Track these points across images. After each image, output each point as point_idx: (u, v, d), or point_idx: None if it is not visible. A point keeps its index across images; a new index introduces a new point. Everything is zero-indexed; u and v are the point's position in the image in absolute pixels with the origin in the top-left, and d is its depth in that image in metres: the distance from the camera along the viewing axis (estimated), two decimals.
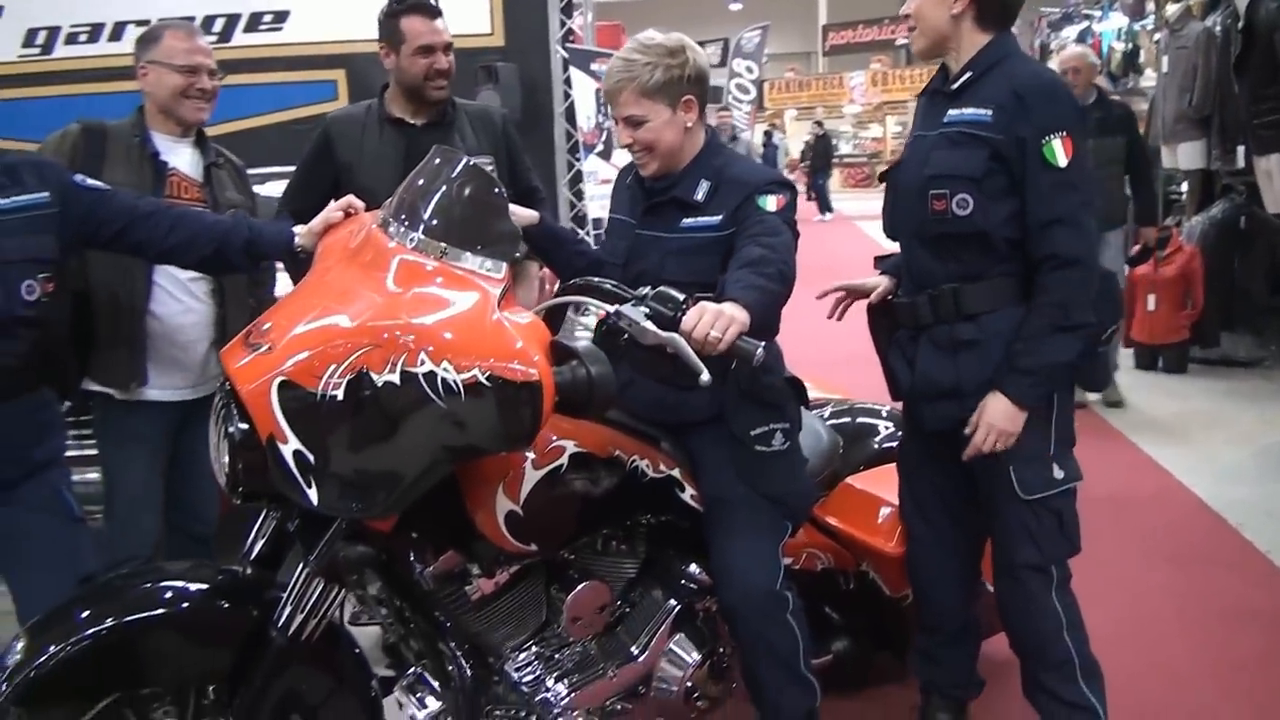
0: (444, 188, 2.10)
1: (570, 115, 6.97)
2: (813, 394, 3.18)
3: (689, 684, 2.53)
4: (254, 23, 5.69)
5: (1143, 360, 6.90)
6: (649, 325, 1.98)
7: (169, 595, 2.10)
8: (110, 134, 2.93)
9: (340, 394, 1.87)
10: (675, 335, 1.96)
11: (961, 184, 2.29)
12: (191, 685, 2.09)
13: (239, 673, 2.06)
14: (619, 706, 2.49)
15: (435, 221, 2.05)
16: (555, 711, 2.36)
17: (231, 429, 1.95)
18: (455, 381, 1.83)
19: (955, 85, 2.36)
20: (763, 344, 1.98)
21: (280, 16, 5.98)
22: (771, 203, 2.34)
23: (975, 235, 2.31)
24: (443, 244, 2.02)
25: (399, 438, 1.88)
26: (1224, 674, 3.15)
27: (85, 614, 2.01)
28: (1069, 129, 2.24)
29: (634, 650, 2.50)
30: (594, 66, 7.48)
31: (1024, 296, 2.31)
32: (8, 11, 5.64)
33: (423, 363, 1.83)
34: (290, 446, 1.89)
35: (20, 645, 1.98)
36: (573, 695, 2.39)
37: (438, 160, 2.17)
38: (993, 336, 2.33)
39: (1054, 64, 7.64)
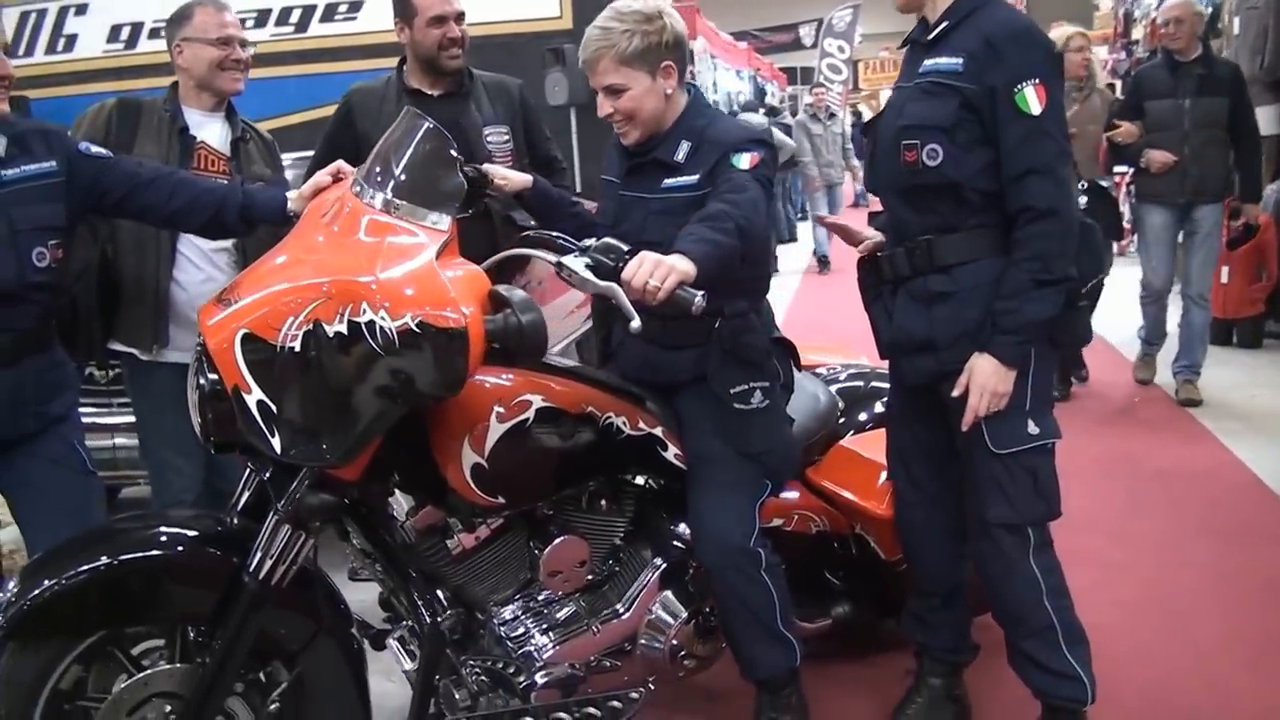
0: (406, 150, 2.20)
1: None
2: (830, 358, 3.19)
3: (674, 642, 2.57)
4: (329, 13, 5.86)
5: (1218, 335, 6.65)
6: (589, 275, 2.03)
7: (161, 539, 2.22)
8: (144, 109, 3.07)
9: (297, 345, 1.96)
10: (613, 284, 2.00)
11: (931, 134, 2.26)
12: (177, 625, 2.20)
13: (220, 616, 2.16)
14: (606, 663, 2.54)
15: (395, 181, 2.15)
16: (538, 665, 2.42)
17: (202, 381, 2.07)
18: (390, 329, 1.91)
19: (931, 35, 2.33)
20: (701, 293, 2.01)
21: (354, 6, 6.16)
22: (744, 160, 2.35)
23: (947, 186, 2.28)
24: (399, 201, 2.12)
25: (347, 386, 1.97)
26: (1253, 647, 3.06)
27: (79, 553, 2.14)
28: (1041, 76, 2.19)
29: (619, 607, 2.55)
30: None
31: (999, 249, 2.27)
32: (93, 8, 5.87)
33: (364, 313, 1.92)
34: (254, 396, 1.99)
35: (14, 583, 2.10)
36: (556, 649, 2.45)
37: (403, 125, 2.26)
38: (967, 288, 2.30)
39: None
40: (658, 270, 2.00)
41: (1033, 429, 2.31)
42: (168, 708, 2.15)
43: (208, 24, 3.02)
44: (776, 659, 2.51)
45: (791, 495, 2.75)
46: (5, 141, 2.46)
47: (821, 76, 17.97)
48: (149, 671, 2.16)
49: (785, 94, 18.64)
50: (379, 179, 2.19)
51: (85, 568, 2.08)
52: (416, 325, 1.91)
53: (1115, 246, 6.34)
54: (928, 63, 2.31)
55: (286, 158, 3.43)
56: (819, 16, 20.58)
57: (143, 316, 2.98)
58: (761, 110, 11.70)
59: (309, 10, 5.92)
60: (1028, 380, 2.29)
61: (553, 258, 2.14)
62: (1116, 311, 6.46)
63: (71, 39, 5.66)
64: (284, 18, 5.87)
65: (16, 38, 5.66)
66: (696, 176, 2.39)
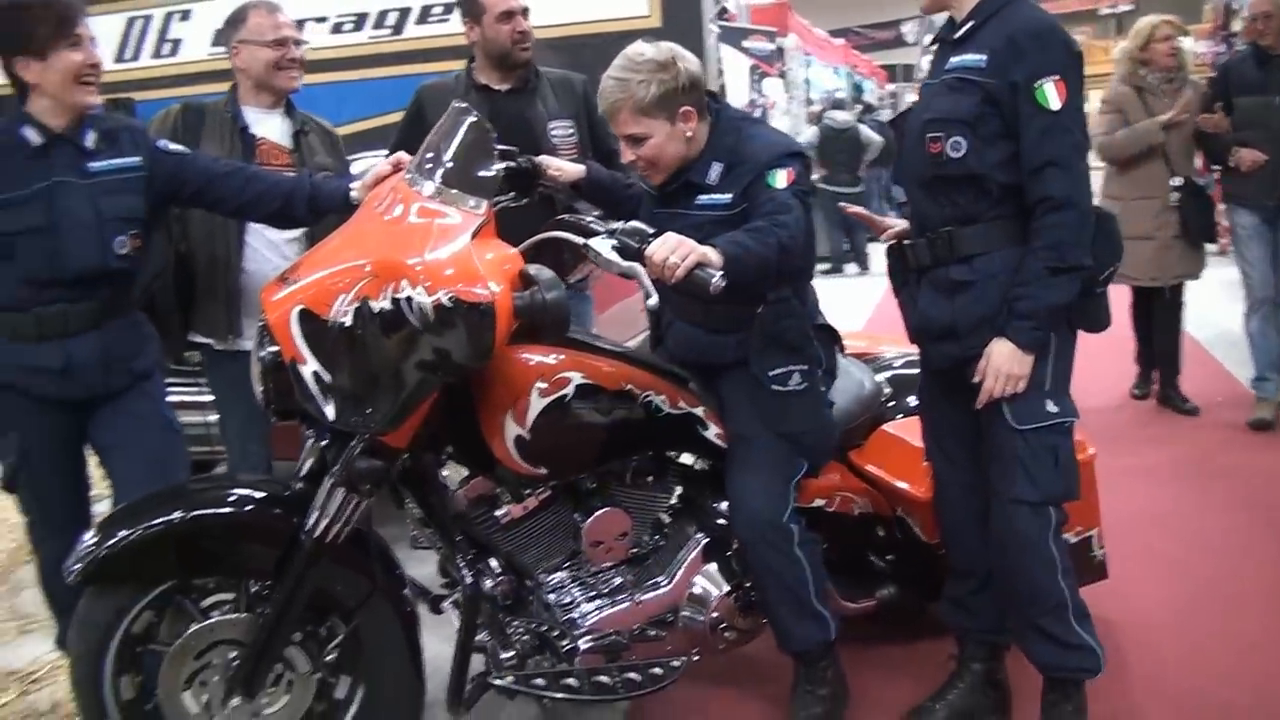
0: (452, 141, 2.37)
1: (723, 92, 7.10)
2: (885, 347, 3.25)
3: (715, 615, 2.67)
4: (424, 16, 6.05)
5: None
6: (614, 256, 2.16)
7: (229, 499, 2.40)
8: (207, 112, 3.26)
9: (348, 320, 2.13)
10: (635, 265, 2.13)
11: (955, 127, 2.34)
12: (241, 579, 2.38)
13: (281, 571, 2.33)
14: (650, 633, 2.65)
15: (442, 170, 2.32)
16: (581, 630, 2.55)
17: (264, 353, 2.24)
18: (426, 305, 2.06)
19: (958, 34, 2.40)
20: (720, 273, 2.11)
21: (448, 9, 6.35)
22: (780, 178, 2.45)
23: (969, 178, 2.35)
24: (445, 188, 2.28)
25: (390, 357, 2.13)
26: None
27: (154, 508, 2.33)
28: (1061, 72, 2.26)
29: (662, 579, 2.66)
30: (745, 44, 7.59)
31: (1017, 239, 2.34)
32: (196, 13, 6.12)
33: (404, 289, 2.07)
34: (309, 368, 2.17)
35: (92, 534, 2.31)
36: (600, 617, 2.58)
37: (451, 118, 2.43)
38: (986, 278, 2.37)
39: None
40: (679, 249, 2.11)
41: (1052, 408, 2.37)
42: (231, 654, 2.34)
43: (262, 26, 3.19)
44: (811, 632, 2.59)
45: (834, 477, 2.83)
46: (96, 135, 2.67)
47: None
48: (215, 619, 2.35)
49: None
50: (428, 168, 2.35)
51: (158, 521, 2.27)
52: (449, 301, 2.06)
53: (1215, 246, 6.12)
54: (954, 59, 2.39)
55: (379, 154, 3.61)
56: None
57: (216, 309, 3.18)
58: (858, 108, 11.69)
59: (404, 13, 6.12)
60: (1048, 363, 2.36)
61: (581, 240, 2.27)
62: (1204, 309, 6.37)
63: (176, 43, 5.91)
64: (380, 20, 6.07)
65: (124, 42, 5.93)
66: (730, 195, 2.50)
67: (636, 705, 2.87)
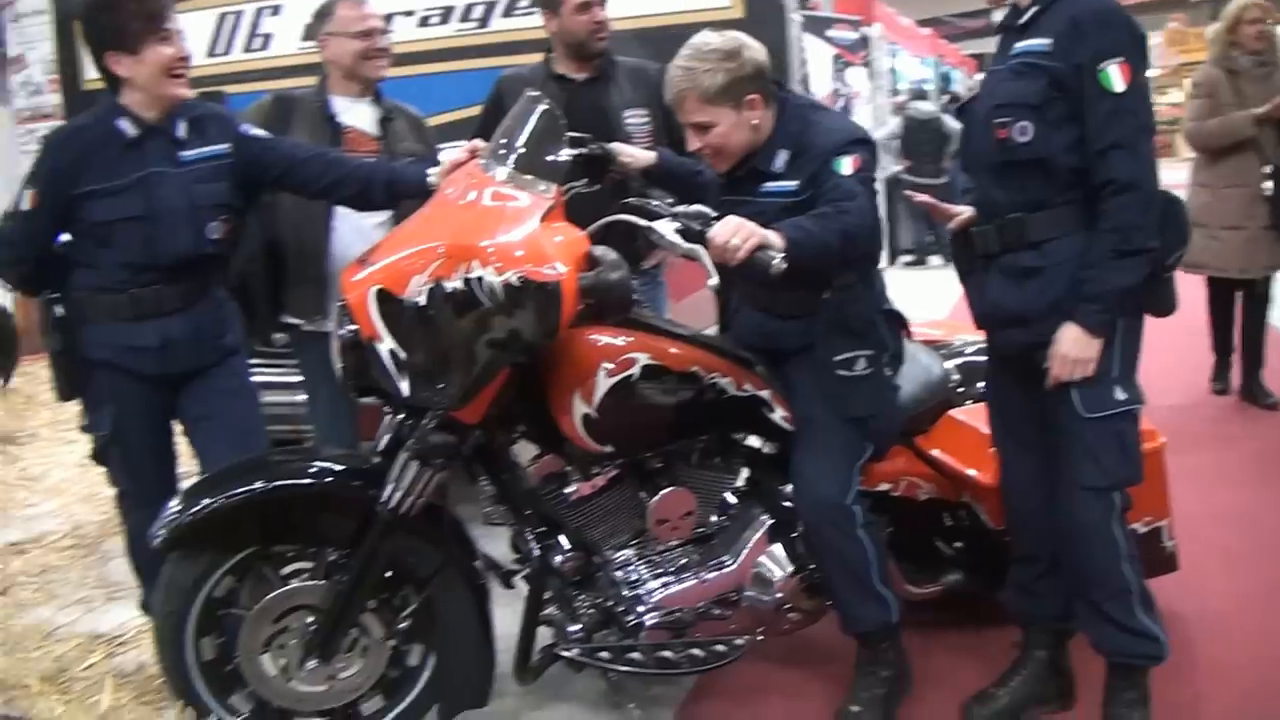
0: (524, 128, 2.45)
1: (805, 82, 7.10)
2: (957, 335, 3.26)
3: (780, 595, 2.72)
4: (510, 8, 6.15)
5: None
6: (676, 238, 2.22)
7: (310, 471, 2.51)
8: (297, 103, 3.38)
9: (422, 300, 2.21)
10: (697, 247, 2.18)
11: (1022, 111, 2.34)
12: (320, 547, 2.49)
13: (357, 541, 2.43)
14: (715, 612, 2.71)
15: (515, 156, 2.40)
16: (647, 607, 2.62)
17: (342, 332, 2.34)
18: (496, 284, 2.14)
19: (1023, 20, 2.41)
20: (780, 254, 2.15)
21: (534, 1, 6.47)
22: (846, 165, 2.49)
23: (1036, 162, 2.36)
24: (517, 173, 2.36)
25: (462, 336, 2.22)
26: None
27: (237, 478, 2.44)
28: (1126, 54, 2.26)
29: (727, 559, 2.71)
30: (829, 33, 7.56)
31: (1086, 224, 2.34)
32: (286, 8, 6.26)
33: (475, 270, 2.15)
34: (385, 345, 2.26)
35: (177, 501, 2.42)
36: (665, 594, 2.64)
37: (523, 106, 2.51)
38: (1055, 263, 2.37)
39: None
40: (740, 231, 2.16)
41: (1120, 395, 2.37)
42: (309, 619, 2.45)
43: (349, 18, 3.29)
44: (873, 613, 2.62)
45: (899, 462, 2.85)
46: (186, 125, 2.78)
47: None
48: (294, 586, 2.46)
49: (973, 80, 18.21)
50: (501, 154, 2.43)
51: (240, 491, 2.38)
52: (518, 280, 2.14)
53: None
54: (1019, 45, 2.39)
55: (463, 143, 3.71)
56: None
57: (306, 291, 3.30)
58: (944, 98, 11.58)
59: (490, 6, 6.21)
60: (1115, 348, 2.36)
61: (645, 222, 2.33)
62: None
63: (267, 38, 6.07)
64: (467, 14, 6.15)
65: (215, 37, 6.11)
66: (796, 183, 2.53)
67: (700, 681, 2.92)
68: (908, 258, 11.31)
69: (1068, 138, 2.32)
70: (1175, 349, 5.47)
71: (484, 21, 6.24)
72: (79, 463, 5.44)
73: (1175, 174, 5.31)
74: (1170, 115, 23.31)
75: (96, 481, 4.97)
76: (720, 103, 2.51)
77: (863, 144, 2.54)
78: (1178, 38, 22.86)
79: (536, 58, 3.85)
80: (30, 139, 10.32)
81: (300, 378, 3.88)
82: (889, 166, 10.56)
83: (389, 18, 6.22)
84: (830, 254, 2.36)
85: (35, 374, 7.52)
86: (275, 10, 6.04)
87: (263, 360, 3.89)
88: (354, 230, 3.27)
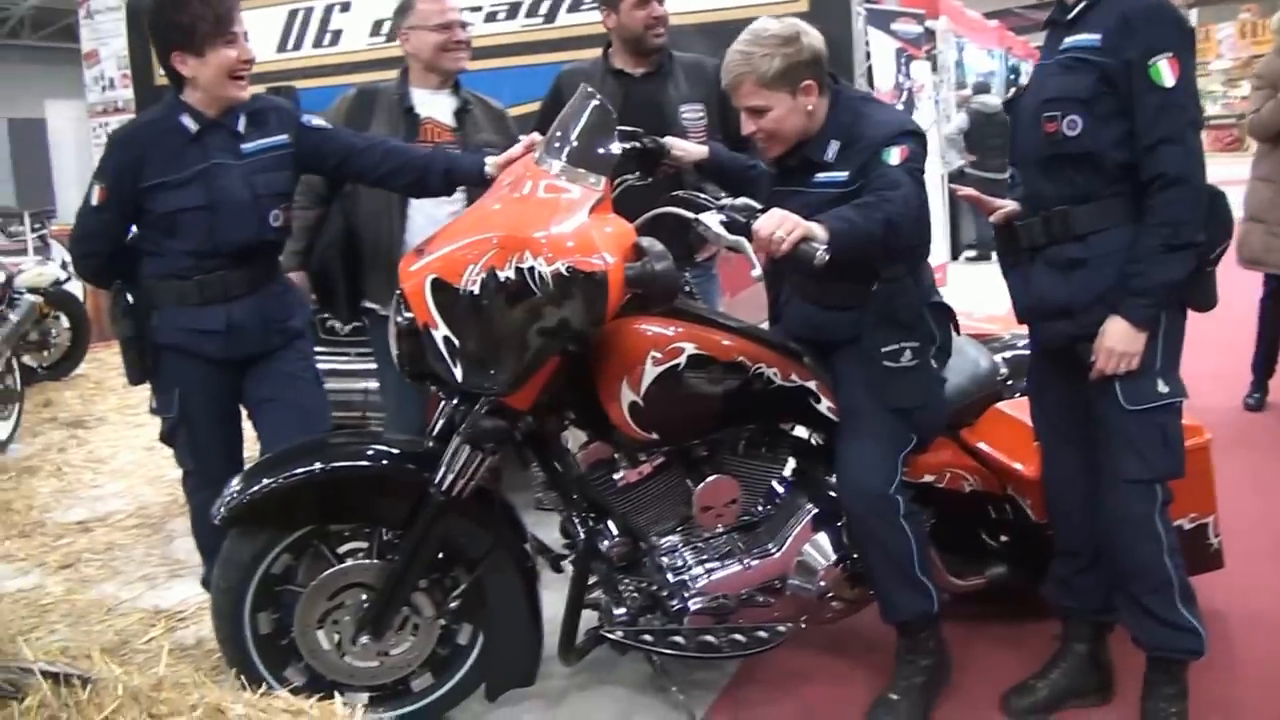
0: (578, 123, 2.51)
1: (869, 76, 7.09)
2: (1009, 330, 3.27)
3: (823, 583, 2.75)
4: (576, 4, 6.22)
5: None
6: (721, 230, 2.27)
7: (366, 454, 2.60)
8: (379, 95, 3.48)
9: (476, 289, 2.28)
10: (742, 239, 2.23)
11: (1072, 106, 2.36)
12: (375, 528, 2.58)
13: (411, 522, 2.51)
14: (759, 599, 2.75)
15: (568, 149, 2.46)
16: (691, 592, 2.67)
17: (400, 319, 2.41)
18: (546, 273, 2.20)
19: (1071, 15, 2.42)
20: (824, 246, 2.20)
21: None
22: (895, 155, 2.51)
23: (1085, 156, 2.38)
24: (569, 166, 2.43)
25: (513, 324, 2.28)
26: None
27: (295, 459, 2.53)
28: (1175, 49, 2.27)
29: (771, 547, 2.75)
30: (894, 26, 7.54)
31: (1132, 217, 2.35)
32: (356, 5, 6.37)
33: (527, 260, 2.21)
34: (440, 333, 2.33)
35: (238, 480, 2.52)
36: (709, 580, 2.69)
37: (577, 102, 2.57)
38: (1101, 256, 2.39)
39: None
40: (785, 223, 2.21)
41: (1163, 388, 2.39)
42: (363, 596, 2.54)
43: (429, 12, 3.38)
44: (913, 602, 2.65)
45: (945, 454, 2.87)
46: (245, 119, 2.87)
47: None
48: (349, 564, 2.55)
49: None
50: (556, 148, 2.50)
51: (299, 471, 2.47)
52: (567, 270, 2.21)
53: None
54: (1068, 40, 2.41)
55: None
56: None
57: (381, 277, 3.37)
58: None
59: (556, 2, 6.27)
60: (1158, 341, 2.37)
61: (692, 214, 2.38)
62: None
63: (337, 34, 6.17)
64: (534, 9, 6.21)
65: (286, 33, 6.23)
66: (847, 173, 2.56)
67: (742, 667, 2.97)
68: (970, 253, 11.23)
69: (1116, 132, 2.34)
70: (1228, 347, 5.42)
71: (550, 17, 6.32)
72: (146, 446, 5.62)
73: (1244, 168, 5.26)
74: (1242, 109, 22.91)
75: (162, 464, 5.15)
76: (776, 87, 2.54)
77: (912, 135, 2.57)
78: (1250, 29, 22.41)
79: (600, 53, 3.91)
80: (103, 132, 10.59)
81: (363, 365, 3.99)
82: (953, 160, 10.49)
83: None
84: (874, 243, 2.39)
85: (104, 360, 7.78)
86: (345, 7, 6.16)
87: (327, 348, 4.00)
88: (428, 219, 3.34)
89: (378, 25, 6.20)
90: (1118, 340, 2.35)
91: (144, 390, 3.03)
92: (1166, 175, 2.28)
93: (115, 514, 4.63)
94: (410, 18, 3.42)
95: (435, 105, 3.46)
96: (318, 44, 6.29)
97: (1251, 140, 5.16)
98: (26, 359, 6.88)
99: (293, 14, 6.18)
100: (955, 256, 10.84)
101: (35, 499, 4.88)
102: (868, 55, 6.96)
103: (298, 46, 6.29)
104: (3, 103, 21.18)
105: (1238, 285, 5.00)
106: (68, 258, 8.62)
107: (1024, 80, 2.73)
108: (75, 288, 7.84)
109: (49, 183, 10.87)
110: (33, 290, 6.62)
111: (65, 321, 7.27)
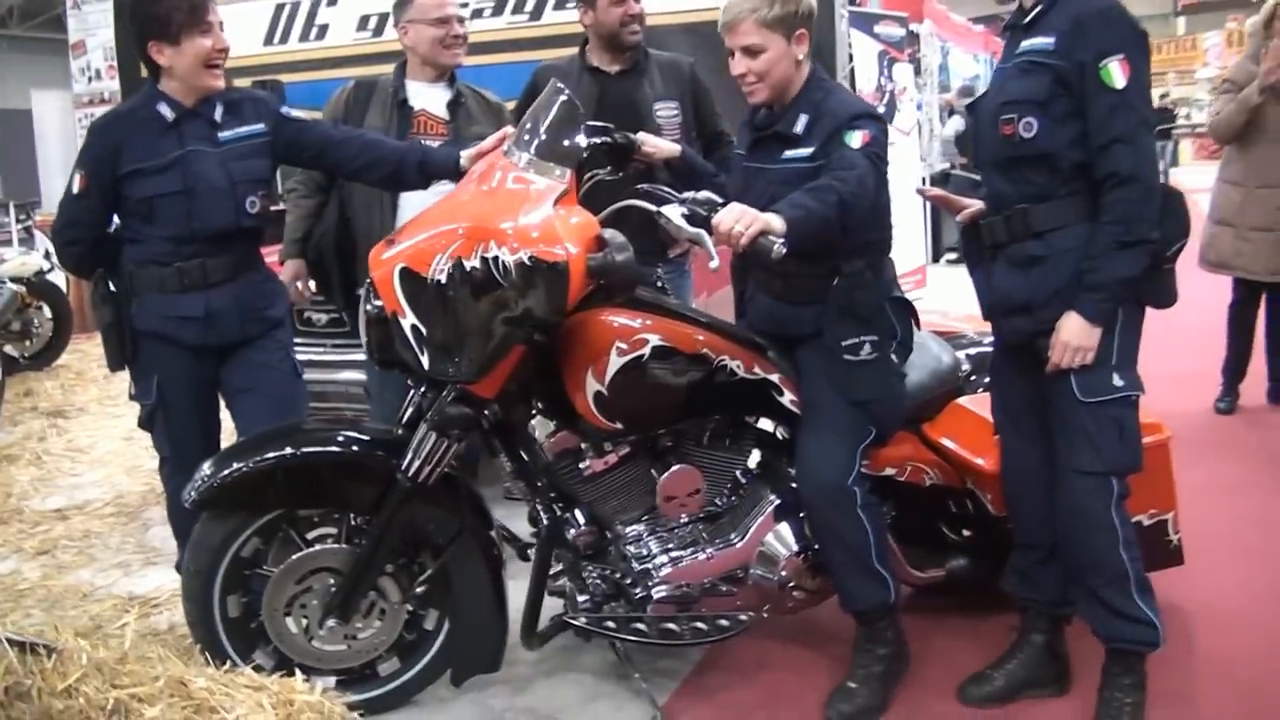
0: (545, 116, 2.57)
1: (852, 77, 7.14)
2: (975, 329, 3.32)
3: (785, 574, 2.80)
4: (561, 1, 6.25)
5: None
6: (682, 223, 2.33)
7: (336, 440, 2.64)
8: (376, 87, 3.54)
9: (443, 278, 2.33)
10: (702, 231, 2.28)
11: (1027, 108, 2.43)
12: (343, 513, 2.62)
13: (379, 507, 2.56)
14: (721, 588, 2.80)
15: (535, 143, 2.52)
16: (654, 580, 2.72)
17: (369, 307, 2.46)
18: (509, 262, 2.25)
19: (1028, 19, 2.48)
20: (782, 240, 2.25)
21: None
22: (856, 138, 2.57)
23: (1042, 157, 2.44)
24: (536, 159, 2.48)
25: (478, 313, 2.33)
26: None
27: (266, 444, 2.57)
28: (1126, 51, 2.34)
29: (734, 537, 2.80)
30: (876, 29, 7.60)
31: (1089, 216, 2.42)
32: (341, 2, 6.38)
33: (492, 249, 2.26)
34: (408, 321, 2.38)
35: (209, 464, 2.56)
36: (673, 569, 2.74)
37: (546, 96, 2.62)
38: (1059, 253, 2.45)
39: None
40: (743, 218, 2.26)
41: (1117, 381, 2.44)
42: (330, 580, 2.58)
43: (427, 6, 3.44)
44: (872, 593, 2.70)
45: (905, 448, 2.92)
46: (222, 108, 2.92)
47: None
48: (317, 549, 2.59)
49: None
50: (525, 140, 2.55)
51: (270, 456, 2.52)
52: (529, 259, 2.26)
53: None
54: (1024, 43, 2.48)
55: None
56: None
57: None
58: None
59: (542, 0, 6.30)
60: (1114, 337, 2.43)
61: (653, 207, 2.44)
62: None
63: (324, 28, 6.19)
64: (519, 6, 6.25)
65: (272, 26, 6.24)
66: (811, 149, 2.62)
67: (705, 656, 3.02)
68: (953, 255, 11.30)
69: (1071, 133, 2.40)
70: (1199, 350, 5.48)
71: (535, 14, 6.36)
72: (125, 436, 5.65)
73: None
74: None
75: (141, 454, 5.19)
76: (774, 29, 2.60)
77: (874, 120, 2.63)
78: (1237, 38, 22.51)
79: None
80: (88, 123, 10.61)
81: (339, 356, 4.03)
82: (935, 164, 10.56)
83: None
84: (829, 226, 2.44)
85: (86, 351, 7.79)
86: (332, 1, 6.19)
87: (303, 339, 4.04)
88: (417, 210, 3.39)
89: (364, 20, 6.24)
90: (1073, 334, 2.41)
91: (124, 381, 3.08)
92: (1119, 174, 2.34)
93: (93, 502, 4.66)
94: (409, 11, 3.47)
95: (429, 97, 3.52)
96: (304, 38, 6.31)
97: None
98: (8, 348, 6.92)
99: (279, 8, 6.21)
100: (937, 259, 10.90)
101: (14, 487, 4.90)
102: (850, 57, 7.03)
103: (284, 40, 6.31)
104: None
105: (1209, 289, 5.10)
106: (51, 248, 8.68)
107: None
108: (58, 278, 7.86)
109: (34, 173, 10.86)
110: (15, 280, 6.65)
111: (48, 312, 7.29)
